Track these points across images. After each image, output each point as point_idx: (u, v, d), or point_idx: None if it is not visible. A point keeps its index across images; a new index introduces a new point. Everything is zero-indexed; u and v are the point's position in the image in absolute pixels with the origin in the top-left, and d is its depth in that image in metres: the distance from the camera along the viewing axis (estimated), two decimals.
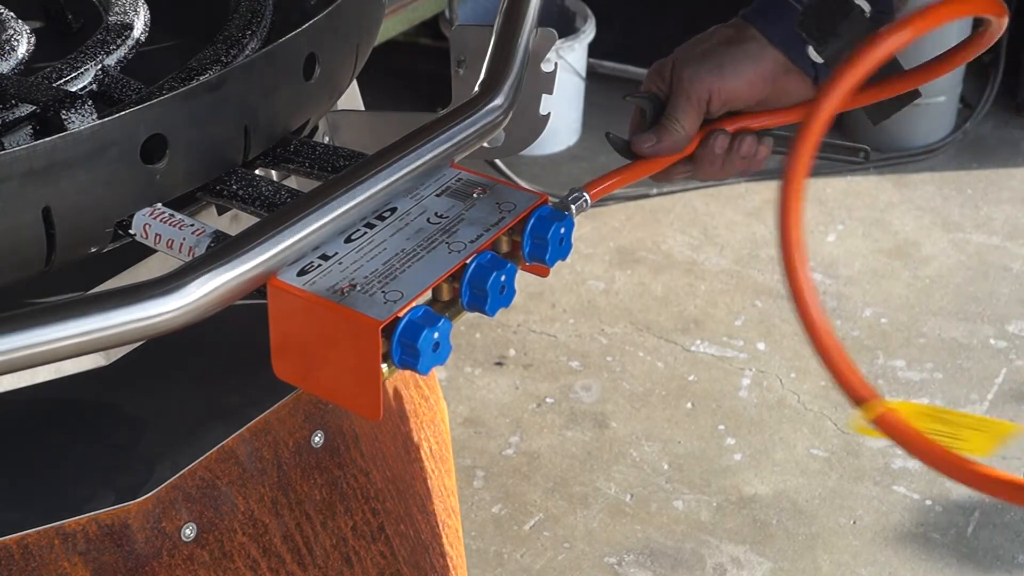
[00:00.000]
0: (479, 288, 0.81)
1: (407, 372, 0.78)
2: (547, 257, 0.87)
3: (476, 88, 0.94)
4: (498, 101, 0.92)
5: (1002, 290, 2.92)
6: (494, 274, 0.81)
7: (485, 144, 0.95)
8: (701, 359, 2.73)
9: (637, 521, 2.35)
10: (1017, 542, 2.31)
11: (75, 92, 0.90)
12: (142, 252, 0.94)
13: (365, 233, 0.82)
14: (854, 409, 0.92)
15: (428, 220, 0.84)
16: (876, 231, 3.12)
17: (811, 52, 1.02)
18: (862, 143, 1.21)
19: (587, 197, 1.00)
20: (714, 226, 3.15)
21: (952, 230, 3.14)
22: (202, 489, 0.96)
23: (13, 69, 0.98)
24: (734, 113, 1.07)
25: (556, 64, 1.11)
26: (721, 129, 1.07)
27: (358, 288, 0.78)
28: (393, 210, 0.85)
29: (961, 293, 2.90)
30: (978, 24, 1.02)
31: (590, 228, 3.11)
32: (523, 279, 0.88)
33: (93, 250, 0.83)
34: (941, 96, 3.37)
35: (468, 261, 0.81)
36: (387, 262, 0.80)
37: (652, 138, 1.05)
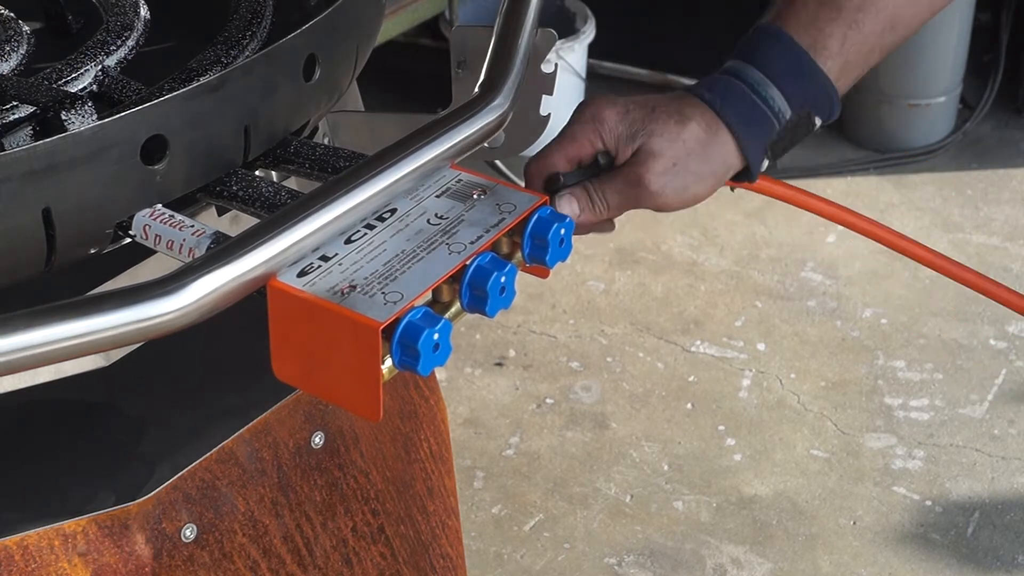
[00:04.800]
0: (479, 289, 0.81)
1: (407, 373, 0.78)
2: (547, 258, 0.87)
3: (476, 89, 0.94)
4: (498, 102, 0.92)
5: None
6: (494, 275, 0.81)
7: (485, 145, 0.95)
8: (701, 360, 2.73)
9: (637, 522, 2.35)
10: (1017, 542, 2.31)
11: (75, 93, 0.90)
12: (142, 253, 0.94)
13: (365, 234, 0.82)
14: None
15: (428, 221, 0.84)
16: None
17: (763, 166, 1.02)
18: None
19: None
20: (714, 227, 3.15)
21: (952, 231, 3.14)
22: (202, 490, 0.96)
23: (13, 70, 0.98)
24: None
25: (556, 65, 1.11)
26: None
27: (358, 289, 0.78)
28: (393, 211, 0.85)
29: (961, 293, 2.90)
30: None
31: None
32: (523, 280, 0.88)
33: (93, 251, 0.83)
34: (941, 97, 3.37)
35: (468, 262, 0.81)
36: (387, 263, 0.80)
37: (575, 207, 0.99)
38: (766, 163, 1.02)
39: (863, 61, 1.03)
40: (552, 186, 1.00)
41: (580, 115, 1.02)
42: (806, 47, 1.01)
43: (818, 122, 1.02)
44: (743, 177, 1.03)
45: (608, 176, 1.00)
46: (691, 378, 2.68)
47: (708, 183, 1.00)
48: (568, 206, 0.99)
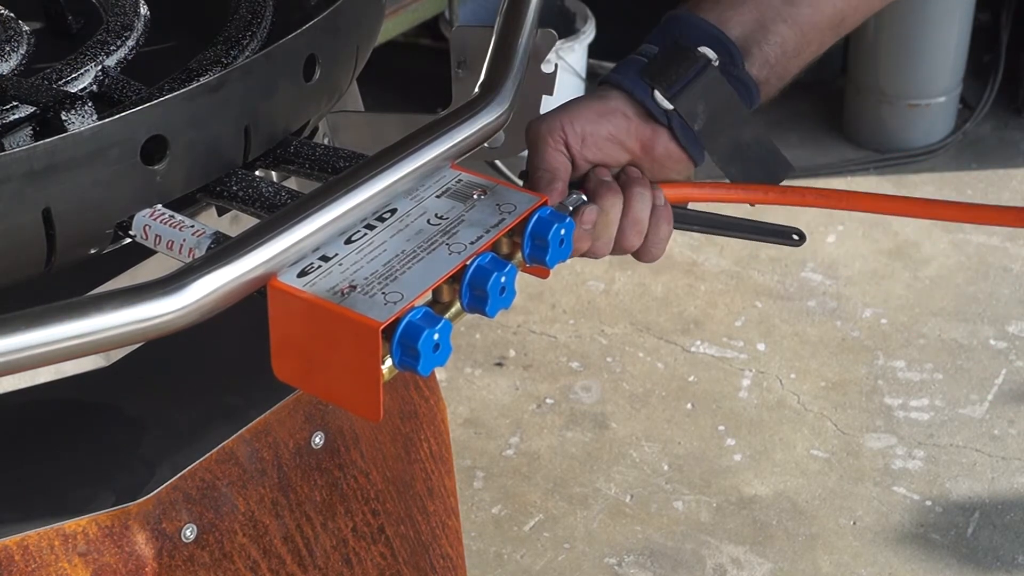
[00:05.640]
0: (479, 289, 0.81)
1: (407, 373, 0.78)
2: (547, 258, 0.87)
3: (476, 89, 0.94)
4: (498, 102, 0.92)
5: (1002, 291, 2.92)
6: (494, 275, 0.81)
7: (485, 145, 0.95)
8: (701, 360, 2.73)
9: (637, 522, 2.35)
10: (1017, 542, 2.31)
11: (75, 93, 0.90)
12: (142, 253, 0.94)
13: (365, 234, 0.82)
14: None
15: (428, 221, 0.84)
16: (876, 232, 3.12)
17: (659, 99, 1.02)
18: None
19: (585, 199, 1.00)
20: None
21: (952, 231, 3.14)
22: (202, 490, 0.96)
23: (13, 70, 0.98)
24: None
25: (556, 65, 1.11)
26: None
27: (358, 289, 0.78)
28: (393, 211, 0.85)
29: (961, 294, 2.90)
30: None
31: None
32: (523, 280, 0.88)
33: (93, 251, 0.84)
34: (941, 97, 3.37)
35: (468, 262, 0.81)
36: (387, 263, 0.80)
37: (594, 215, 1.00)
38: (660, 95, 1.02)
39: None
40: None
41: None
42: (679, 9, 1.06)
43: (708, 52, 1.02)
44: (654, 113, 1.03)
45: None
46: (691, 378, 2.68)
47: (593, 106, 1.02)
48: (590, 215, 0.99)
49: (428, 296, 0.81)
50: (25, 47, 1.01)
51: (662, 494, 2.41)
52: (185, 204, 0.88)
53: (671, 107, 1.02)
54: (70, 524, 0.90)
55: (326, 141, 1.13)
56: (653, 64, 1.03)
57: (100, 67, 0.97)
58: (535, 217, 0.86)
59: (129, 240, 0.84)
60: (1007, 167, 3.38)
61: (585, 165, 1.02)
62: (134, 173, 0.81)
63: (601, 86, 1.05)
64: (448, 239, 0.83)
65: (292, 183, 1.00)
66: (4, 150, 0.87)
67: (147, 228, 0.83)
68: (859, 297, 2.90)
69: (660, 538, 2.32)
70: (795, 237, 1.13)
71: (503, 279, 0.81)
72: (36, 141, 0.78)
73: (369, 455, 1.08)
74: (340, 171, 0.88)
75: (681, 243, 3.09)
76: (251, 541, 0.98)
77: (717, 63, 1.03)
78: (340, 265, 0.80)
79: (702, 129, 1.04)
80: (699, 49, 1.02)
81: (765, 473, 2.45)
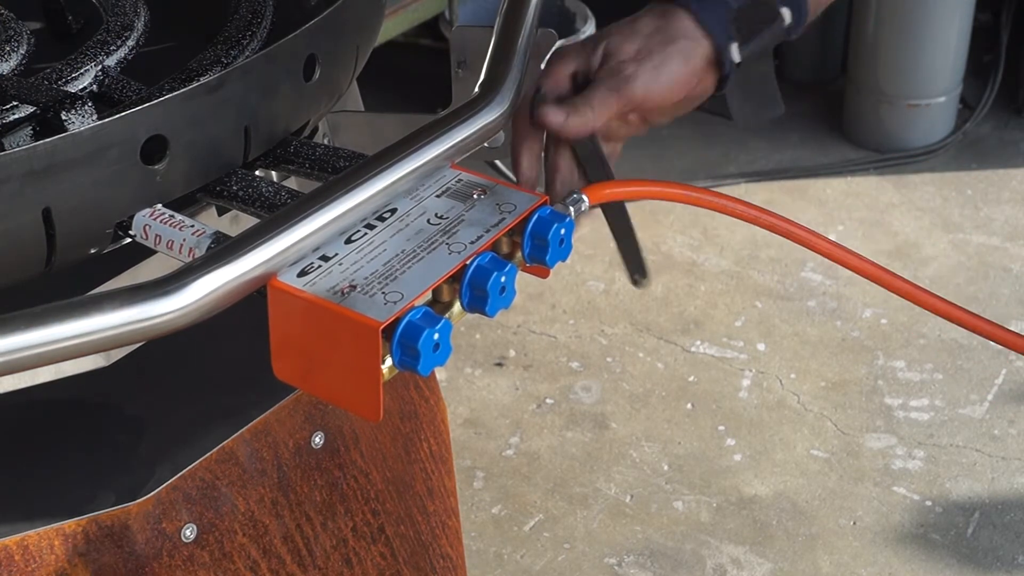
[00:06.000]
0: (479, 289, 0.81)
1: (407, 373, 0.78)
2: (547, 258, 0.87)
3: (476, 89, 0.94)
4: (498, 102, 0.92)
5: (1002, 291, 2.92)
6: (494, 275, 0.81)
7: (485, 145, 0.95)
8: (701, 360, 2.73)
9: (637, 522, 2.35)
10: (1017, 542, 2.31)
11: (75, 93, 0.90)
12: (142, 253, 0.94)
13: (365, 234, 0.82)
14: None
15: (428, 221, 0.84)
16: (876, 232, 3.13)
17: (733, 51, 1.00)
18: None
19: (586, 199, 1.00)
20: (714, 227, 3.15)
21: (952, 231, 3.14)
22: (202, 490, 0.96)
23: (13, 70, 0.98)
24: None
25: None
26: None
27: (358, 289, 0.78)
28: (393, 211, 0.85)
29: (961, 294, 2.90)
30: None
31: (590, 229, 3.10)
32: (523, 280, 0.88)
33: (93, 251, 0.83)
34: (941, 97, 3.37)
35: (468, 262, 0.81)
36: (387, 263, 0.80)
37: (561, 115, 0.99)
38: (736, 48, 1.00)
39: None
40: (534, 104, 1.00)
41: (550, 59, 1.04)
42: None
43: (786, 15, 1.00)
44: (722, 63, 1.01)
45: (586, 88, 1.02)
46: (691, 378, 2.68)
47: (678, 61, 1.00)
48: (553, 115, 0.99)
49: (428, 296, 0.81)
50: (25, 47, 1.01)
51: (662, 494, 2.41)
52: (185, 204, 0.88)
53: (738, 60, 1.01)
54: (70, 524, 0.90)
55: (326, 141, 1.13)
56: (741, 13, 1.00)
57: (100, 67, 0.97)
58: (535, 217, 0.86)
59: (129, 240, 0.84)
60: (1007, 167, 3.38)
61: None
62: (134, 173, 0.81)
63: (678, 19, 1.01)
64: (448, 239, 0.83)
65: (292, 183, 1.00)
66: (4, 150, 0.87)
67: (147, 228, 0.83)
68: (859, 297, 2.90)
69: (660, 538, 2.32)
70: (636, 277, 1.15)
71: (503, 279, 0.81)
72: (36, 141, 0.78)
73: (369, 455, 1.08)
74: (340, 171, 0.88)
75: (681, 243, 3.09)
76: (251, 541, 0.98)
77: (787, 24, 1.01)
78: (340, 265, 0.80)
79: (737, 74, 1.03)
80: (780, 10, 1.01)
81: (765, 473, 2.45)
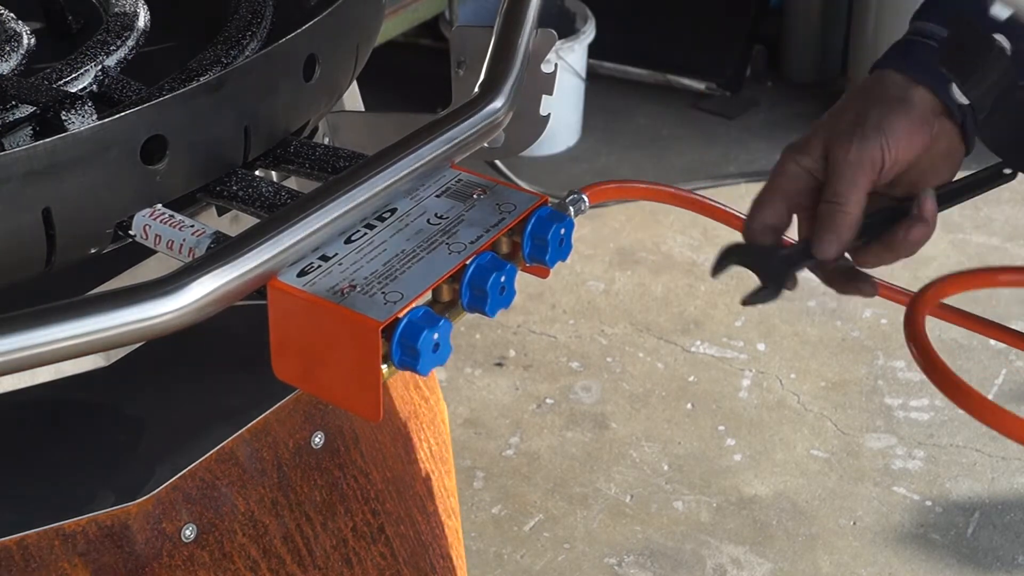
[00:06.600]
0: (479, 289, 0.81)
1: (407, 373, 0.78)
2: (547, 258, 0.87)
3: (476, 89, 0.94)
4: (498, 102, 0.92)
5: (1002, 291, 2.92)
6: (494, 275, 0.81)
7: (485, 145, 0.95)
8: (701, 360, 2.73)
9: (637, 522, 2.35)
10: (1017, 542, 2.31)
11: (75, 93, 0.90)
12: (142, 253, 0.94)
13: (365, 234, 0.82)
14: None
15: (428, 221, 0.84)
16: None
17: (955, 92, 0.93)
18: None
19: (586, 199, 1.00)
20: (714, 227, 3.13)
21: (952, 231, 3.14)
22: (202, 490, 0.96)
23: (13, 70, 0.98)
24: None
25: (556, 65, 1.11)
26: (924, 192, 0.95)
27: (358, 289, 0.78)
28: (393, 211, 0.85)
29: (961, 294, 2.90)
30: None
31: (590, 229, 3.11)
32: (523, 280, 0.88)
33: (93, 251, 0.83)
34: None
35: (468, 262, 0.81)
36: (387, 263, 0.80)
37: (827, 234, 0.93)
38: (956, 88, 0.93)
39: None
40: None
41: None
42: None
43: (1006, 44, 0.91)
44: (950, 109, 0.94)
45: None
46: (691, 378, 2.68)
47: (897, 113, 0.94)
48: (829, 244, 0.94)
49: (428, 296, 0.81)
50: (25, 47, 1.01)
51: (662, 494, 2.41)
52: (185, 204, 0.88)
53: (967, 102, 0.93)
54: (70, 524, 0.90)
55: (326, 141, 1.13)
56: (947, 53, 0.93)
57: (100, 67, 0.97)
58: (535, 217, 0.86)
59: (129, 240, 0.84)
60: None
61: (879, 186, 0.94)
62: (134, 173, 0.81)
63: (886, 79, 0.95)
64: (448, 239, 0.83)
65: (292, 183, 1.00)
66: (4, 150, 0.87)
67: (147, 228, 0.83)
68: (859, 297, 2.90)
69: (660, 538, 2.32)
70: (1006, 172, 1.01)
71: (503, 279, 0.81)
72: (36, 141, 0.78)
73: (369, 455, 1.08)
74: (340, 171, 0.88)
75: (681, 243, 3.09)
76: (251, 541, 0.98)
77: (1009, 51, 0.91)
78: (340, 265, 0.80)
79: (986, 118, 0.95)
80: (995, 36, 0.91)
81: (765, 473, 2.45)
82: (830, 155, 0.94)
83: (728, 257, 0.98)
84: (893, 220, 0.97)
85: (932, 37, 0.96)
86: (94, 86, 0.96)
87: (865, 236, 0.96)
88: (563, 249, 0.88)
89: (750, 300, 0.96)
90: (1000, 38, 0.91)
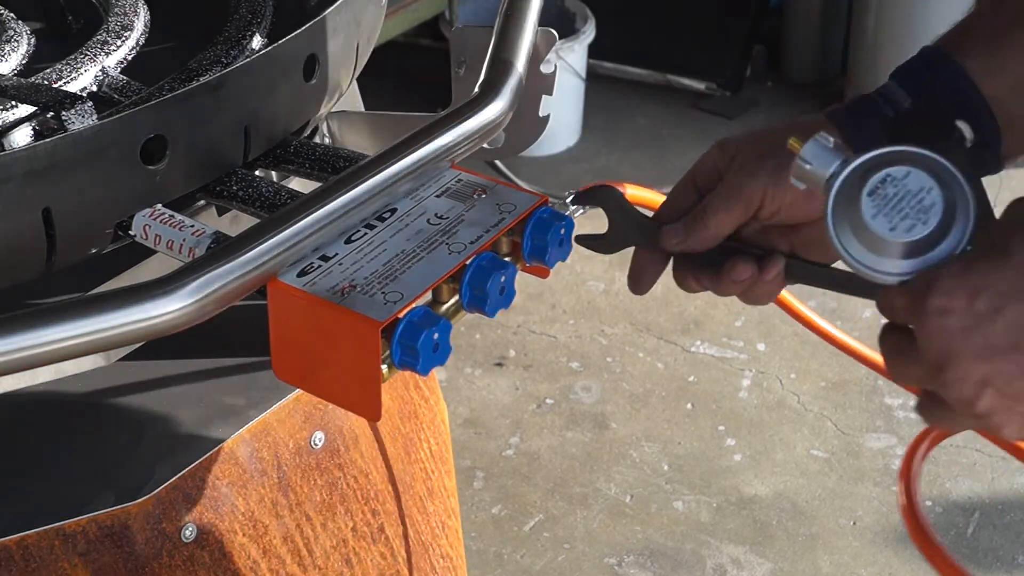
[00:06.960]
0: (479, 289, 0.81)
1: (407, 373, 0.78)
2: (547, 258, 0.87)
3: (476, 89, 0.94)
4: (498, 102, 0.92)
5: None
6: (494, 275, 0.81)
7: (485, 145, 0.95)
8: (701, 360, 2.73)
9: (637, 522, 2.35)
10: (1017, 542, 2.31)
11: (75, 93, 0.90)
12: (142, 253, 0.94)
13: (365, 234, 0.82)
14: None
15: (428, 221, 0.84)
16: None
17: None
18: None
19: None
20: None
21: None
22: (202, 490, 0.96)
23: (13, 70, 0.98)
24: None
25: (556, 65, 1.11)
26: (750, 251, 0.91)
27: (358, 289, 0.78)
28: (393, 211, 0.85)
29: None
30: None
31: (590, 229, 3.10)
32: (523, 280, 0.88)
33: (93, 251, 0.84)
34: None
35: (468, 262, 0.81)
36: (387, 263, 0.80)
37: (680, 232, 0.91)
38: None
39: None
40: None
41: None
42: (940, 44, 0.92)
43: (968, 135, 0.84)
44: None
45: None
46: (691, 378, 2.68)
47: (807, 194, 0.85)
48: (670, 236, 0.91)
49: (428, 296, 0.81)
50: (25, 47, 1.01)
51: (662, 494, 2.41)
52: (185, 204, 0.89)
53: None
54: (70, 524, 0.90)
55: (326, 141, 1.14)
56: (900, 128, 0.89)
57: (100, 67, 0.97)
58: (535, 217, 0.86)
59: (129, 240, 0.84)
60: (1007, 167, 3.37)
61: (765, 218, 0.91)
62: (134, 173, 0.81)
63: (827, 126, 0.89)
64: (448, 239, 0.83)
65: (292, 183, 1.00)
66: (4, 150, 0.87)
67: (147, 228, 0.83)
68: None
69: (660, 538, 2.32)
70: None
71: (503, 278, 0.81)
72: (36, 141, 0.78)
73: (369, 455, 1.08)
74: (340, 171, 0.88)
75: None
76: (251, 541, 0.98)
77: (970, 144, 0.84)
78: (340, 265, 0.80)
79: None
80: (957, 123, 0.84)
81: (765, 473, 2.45)
82: (730, 167, 0.92)
83: (603, 200, 0.95)
84: (746, 258, 0.92)
85: (894, 104, 0.91)
86: (94, 86, 0.96)
87: (716, 255, 0.93)
88: (563, 249, 0.88)
89: (582, 239, 0.94)
90: (963, 126, 0.84)
